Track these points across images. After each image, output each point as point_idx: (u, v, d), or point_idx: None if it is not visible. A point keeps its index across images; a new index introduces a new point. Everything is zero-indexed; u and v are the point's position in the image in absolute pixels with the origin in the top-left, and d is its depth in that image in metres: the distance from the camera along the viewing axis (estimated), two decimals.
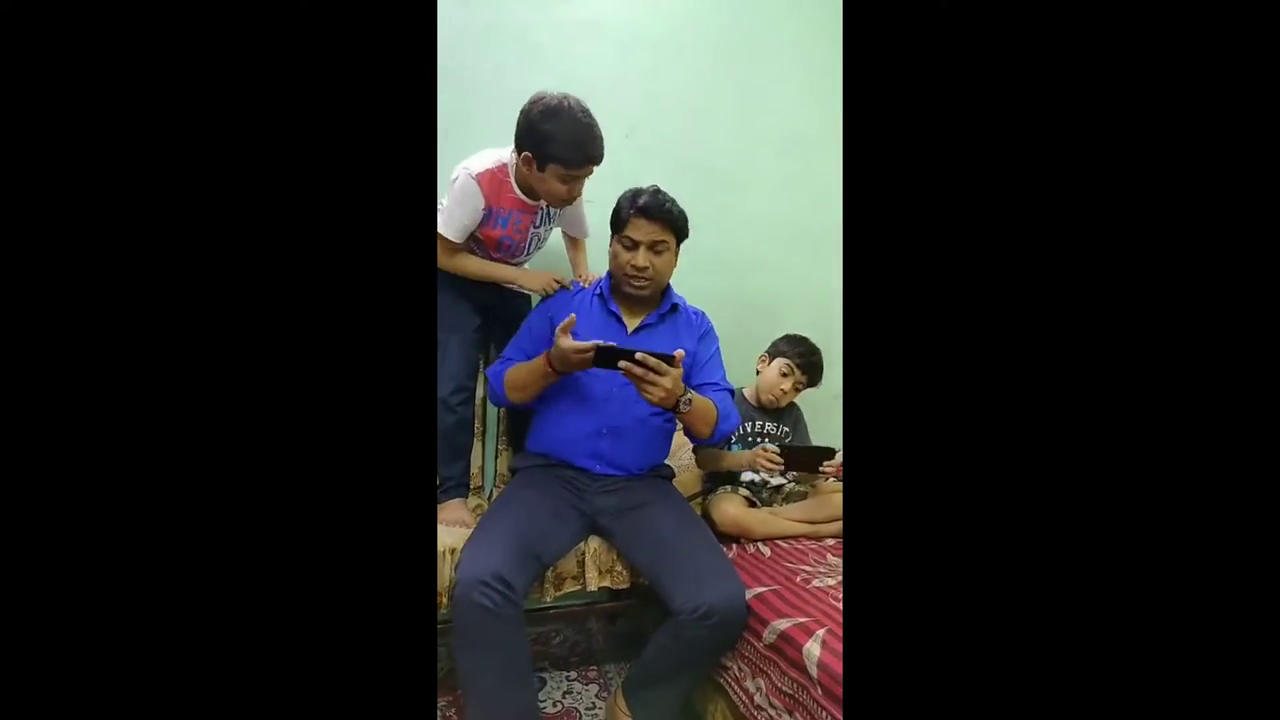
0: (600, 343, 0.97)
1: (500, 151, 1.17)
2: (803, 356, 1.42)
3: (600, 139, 1.10)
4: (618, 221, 1.15)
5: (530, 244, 1.27)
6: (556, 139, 1.05)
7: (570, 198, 1.15)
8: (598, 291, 1.23)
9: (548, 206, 1.24)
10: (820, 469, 1.29)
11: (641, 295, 1.17)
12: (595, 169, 1.13)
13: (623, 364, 0.95)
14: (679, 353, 0.97)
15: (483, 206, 1.15)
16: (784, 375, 1.42)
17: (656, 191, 1.13)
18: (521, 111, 1.09)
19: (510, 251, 1.25)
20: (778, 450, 1.27)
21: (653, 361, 0.95)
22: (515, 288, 1.28)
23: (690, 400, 1.04)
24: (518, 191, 1.17)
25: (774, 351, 1.46)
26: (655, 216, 1.11)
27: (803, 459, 1.29)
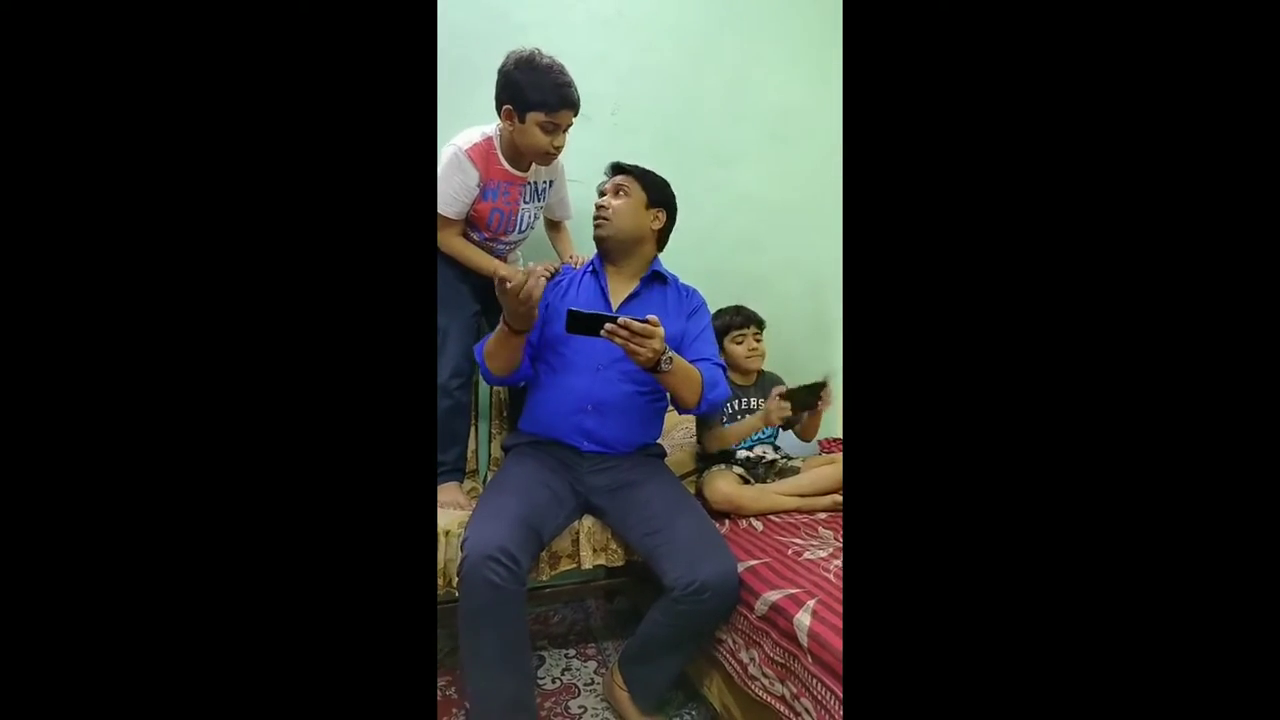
0: (571, 308, 0.95)
1: (484, 127, 1.19)
2: (735, 315, 1.46)
3: (575, 87, 1.14)
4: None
5: (521, 221, 1.27)
6: (533, 85, 1.10)
7: (553, 150, 1.16)
8: (590, 269, 1.25)
9: (535, 181, 1.24)
10: (819, 401, 1.32)
11: (602, 237, 1.20)
12: (574, 121, 1.17)
13: (607, 328, 0.94)
14: (651, 318, 0.96)
15: (477, 181, 1.17)
16: (737, 343, 1.45)
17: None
18: (499, 70, 1.12)
19: (502, 228, 1.25)
20: (783, 395, 1.28)
21: (636, 325, 0.94)
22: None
23: (671, 359, 1.03)
24: (504, 163, 1.19)
25: (720, 333, 1.46)
26: (623, 169, 1.21)
27: (803, 398, 1.31)
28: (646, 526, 1.06)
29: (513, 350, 1.10)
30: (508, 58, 1.11)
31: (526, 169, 1.22)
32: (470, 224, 1.24)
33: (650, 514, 1.07)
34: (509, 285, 0.95)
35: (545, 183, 1.28)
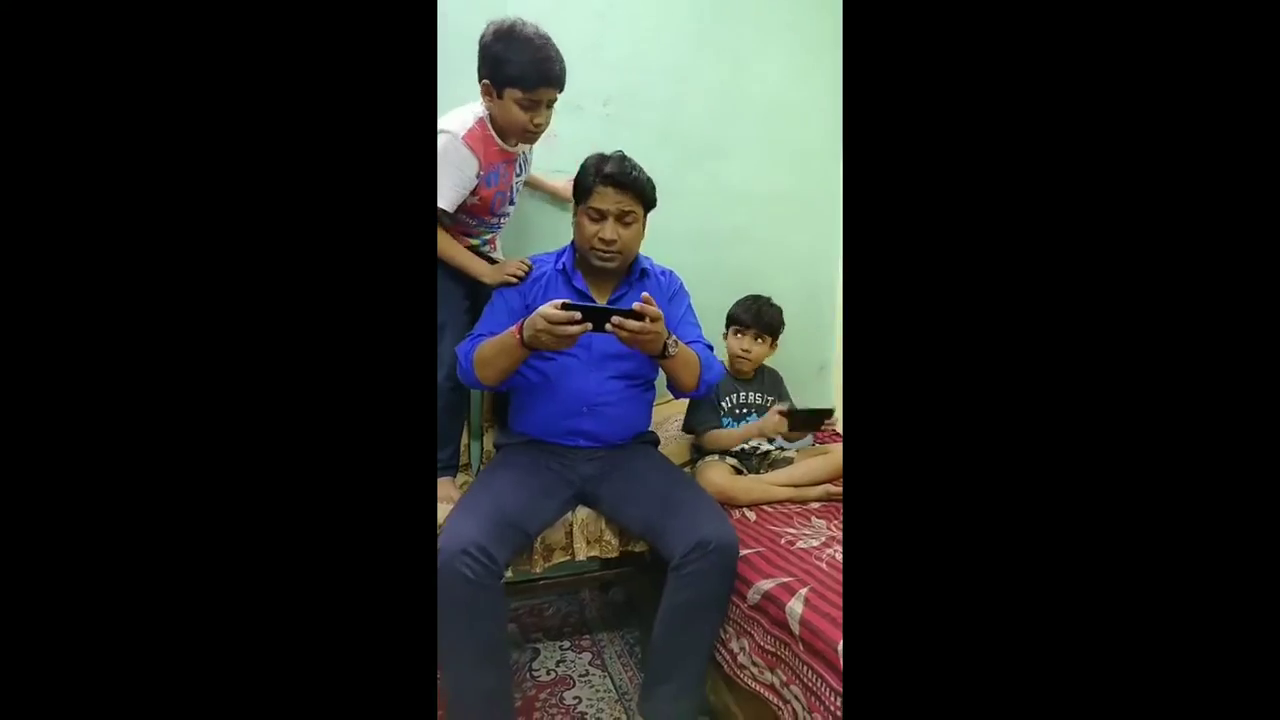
0: (569, 301, 0.92)
1: (472, 106, 1.13)
2: (745, 312, 1.43)
3: (559, 61, 1.07)
4: (582, 191, 1.10)
5: (514, 192, 1.24)
6: (510, 60, 1.03)
7: (533, 128, 1.10)
8: (559, 267, 1.17)
9: (522, 153, 1.21)
10: (822, 427, 1.34)
11: (609, 269, 1.14)
12: (558, 97, 1.10)
13: (615, 320, 0.91)
14: (645, 295, 0.94)
15: (478, 171, 1.11)
16: (738, 337, 1.44)
17: (622, 159, 1.09)
18: (479, 41, 1.06)
19: (500, 209, 1.21)
20: (783, 412, 1.30)
21: (652, 311, 0.92)
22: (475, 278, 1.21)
23: (676, 343, 1.04)
24: (499, 141, 1.14)
25: (727, 322, 1.48)
26: (623, 185, 1.07)
27: (806, 421, 1.32)
28: (642, 503, 1.07)
29: (517, 363, 1.05)
30: (487, 28, 1.05)
31: (514, 144, 1.18)
32: (470, 213, 1.19)
33: (645, 492, 1.08)
34: (571, 331, 0.91)
35: (529, 150, 1.25)
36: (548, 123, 1.12)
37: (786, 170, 1.77)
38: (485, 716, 0.94)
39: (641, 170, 1.11)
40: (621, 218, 1.09)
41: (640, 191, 1.09)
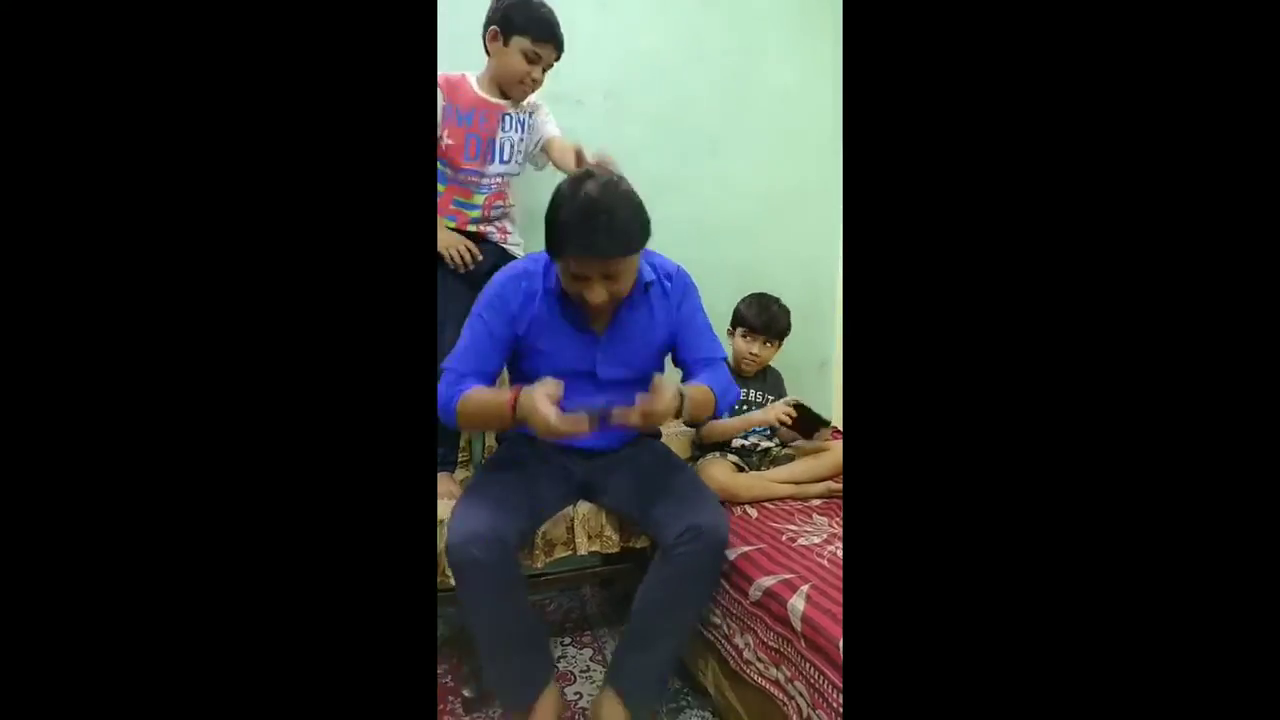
0: (577, 407, 0.87)
1: (460, 71, 1.21)
2: (758, 317, 1.43)
3: (561, 31, 1.17)
4: (556, 245, 0.92)
5: (503, 149, 1.23)
6: (523, 13, 1.13)
7: (530, 82, 1.17)
8: (549, 286, 1.01)
9: (514, 111, 1.23)
10: (814, 436, 1.35)
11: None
12: (557, 63, 1.19)
13: (617, 413, 0.88)
14: (654, 382, 0.91)
15: (441, 103, 1.17)
16: (747, 340, 1.44)
17: (595, 206, 0.87)
18: None
19: (481, 156, 1.21)
20: (794, 406, 1.31)
21: (667, 396, 0.91)
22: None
23: (687, 398, 0.98)
24: (478, 91, 1.20)
25: (735, 321, 1.47)
26: (605, 253, 0.90)
27: (809, 422, 1.34)
28: (640, 491, 1.07)
29: (504, 430, 1.04)
30: None
31: (501, 99, 1.22)
32: (451, 164, 1.20)
33: (645, 482, 1.08)
34: (554, 425, 0.86)
35: (526, 113, 1.26)
36: (540, 83, 1.20)
37: (789, 165, 1.76)
38: (525, 694, 0.96)
39: (624, 216, 0.89)
40: (609, 276, 0.93)
41: (630, 249, 0.93)
